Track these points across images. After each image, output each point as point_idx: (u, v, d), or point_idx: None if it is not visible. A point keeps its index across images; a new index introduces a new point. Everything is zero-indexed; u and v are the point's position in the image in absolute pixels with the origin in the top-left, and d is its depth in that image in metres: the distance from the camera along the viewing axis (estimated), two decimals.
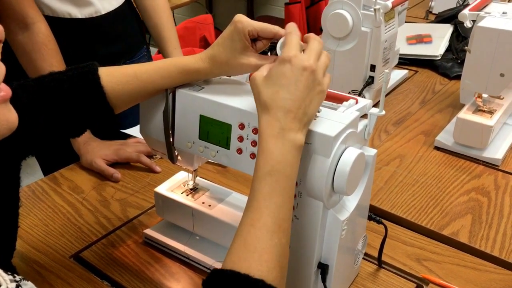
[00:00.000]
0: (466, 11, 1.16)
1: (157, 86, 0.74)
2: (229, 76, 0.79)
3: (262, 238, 0.58)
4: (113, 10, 1.27)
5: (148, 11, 1.36)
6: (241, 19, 0.69)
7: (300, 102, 0.62)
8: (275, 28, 0.69)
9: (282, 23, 2.85)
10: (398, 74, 1.52)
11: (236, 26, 0.68)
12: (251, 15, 3.62)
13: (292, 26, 0.67)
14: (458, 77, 1.47)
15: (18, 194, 0.71)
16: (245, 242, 0.58)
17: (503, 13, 1.13)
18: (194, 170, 0.89)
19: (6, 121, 0.49)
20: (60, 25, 1.17)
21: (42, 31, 1.07)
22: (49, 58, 1.06)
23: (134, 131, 1.22)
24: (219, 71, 0.73)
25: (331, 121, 0.67)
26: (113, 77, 0.73)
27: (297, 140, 0.61)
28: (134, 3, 1.38)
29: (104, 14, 1.24)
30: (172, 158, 0.82)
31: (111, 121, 0.77)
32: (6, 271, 0.48)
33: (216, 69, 0.72)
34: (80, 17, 1.20)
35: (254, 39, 0.70)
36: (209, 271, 0.83)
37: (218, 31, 2.63)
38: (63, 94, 0.71)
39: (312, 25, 2.93)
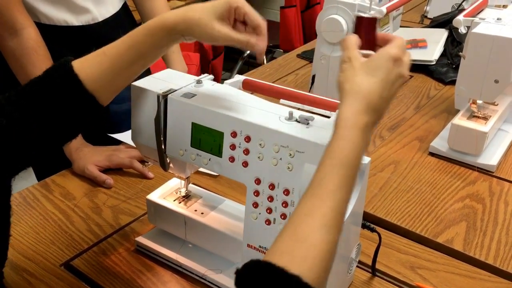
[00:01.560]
0: (460, 17, 1.16)
1: (126, 59, 0.70)
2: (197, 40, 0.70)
3: (317, 230, 0.52)
4: (110, 17, 1.25)
5: (147, 13, 1.35)
6: None
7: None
8: (261, 21, 0.68)
9: (277, 26, 2.85)
10: None
11: None
12: None
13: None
14: (453, 82, 1.47)
15: (9, 203, 0.70)
16: (295, 232, 0.52)
17: (498, 19, 1.12)
18: (187, 177, 0.88)
19: None
20: (56, 33, 1.16)
21: (32, 36, 1.06)
22: (39, 63, 1.04)
23: (126, 136, 1.21)
24: (185, 29, 0.68)
25: (324, 129, 0.66)
26: (86, 61, 0.71)
27: (369, 140, 0.59)
28: (134, 5, 1.37)
29: (101, 21, 1.23)
30: (164, 166, 0.82)
31: (100, 114, 0.73)
32: None
33: (183, 25, 0.67)
34: (76, 24, 1.19)
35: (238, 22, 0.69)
36: (202, 279, 0.83)
37: None
38: (42, 92, 0.69)
39: (308, 29, 2.93)
